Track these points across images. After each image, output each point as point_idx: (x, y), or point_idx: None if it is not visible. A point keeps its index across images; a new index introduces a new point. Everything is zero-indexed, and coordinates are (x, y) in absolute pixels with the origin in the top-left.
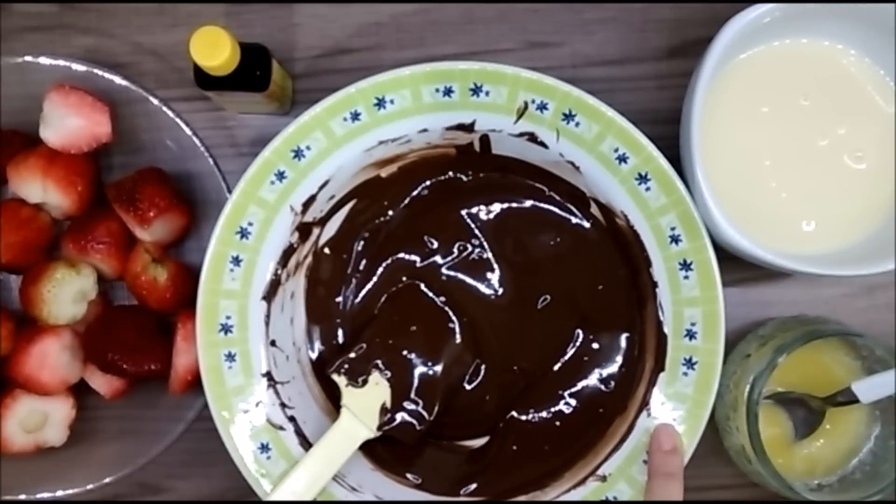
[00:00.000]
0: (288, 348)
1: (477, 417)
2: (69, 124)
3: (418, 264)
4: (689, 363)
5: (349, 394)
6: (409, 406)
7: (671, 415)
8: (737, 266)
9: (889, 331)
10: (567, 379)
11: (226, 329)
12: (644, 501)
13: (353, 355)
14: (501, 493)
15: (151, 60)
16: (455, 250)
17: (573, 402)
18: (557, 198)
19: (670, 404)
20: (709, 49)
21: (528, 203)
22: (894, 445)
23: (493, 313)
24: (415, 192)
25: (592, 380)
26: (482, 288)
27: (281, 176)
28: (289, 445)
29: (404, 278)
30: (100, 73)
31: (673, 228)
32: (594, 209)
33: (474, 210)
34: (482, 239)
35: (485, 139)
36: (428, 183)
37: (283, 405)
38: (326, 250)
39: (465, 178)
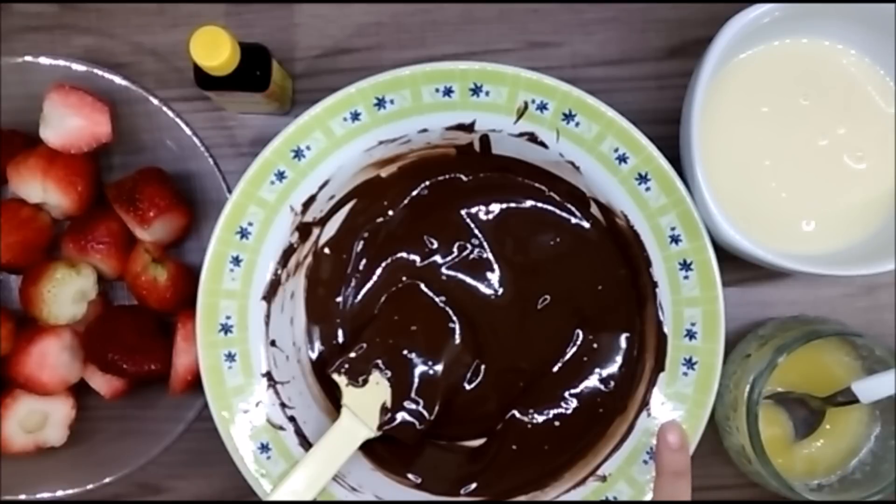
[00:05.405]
0: (288, 348)
1: (477, 417)
2: (69, 124)
3: (418, 264)
4: (689, 363)
5: (349, 393)
6: (410, 406)
7: (671, 415)
8: (737, 266)
9: (889, 331)
10: (567, 379)
11: (226, 329)
12: (652, 501)
13: (353, 355)
14: (501, 493)
15: (151, 60)
16: (455, 250)
17: (573, 402)
18: (557, 198)
19: (670, 404)
20: (709, 49)
21: (528, 203)
22: (894, 445)
23: (493, 313)
24: (415, 192)
25: (592, 380)
26: (482, 288)
27: (281, 176)
28: (289, 445)
29: (404, 278)
30: (100, 73)
31: (673, 228)
32: (594, 209)
33: (474, 210)
34: (482, 239)
35: (485, 139)
36: (428, 183)
37: (283, 405)
38: (326, 250)
39: (465, 178)
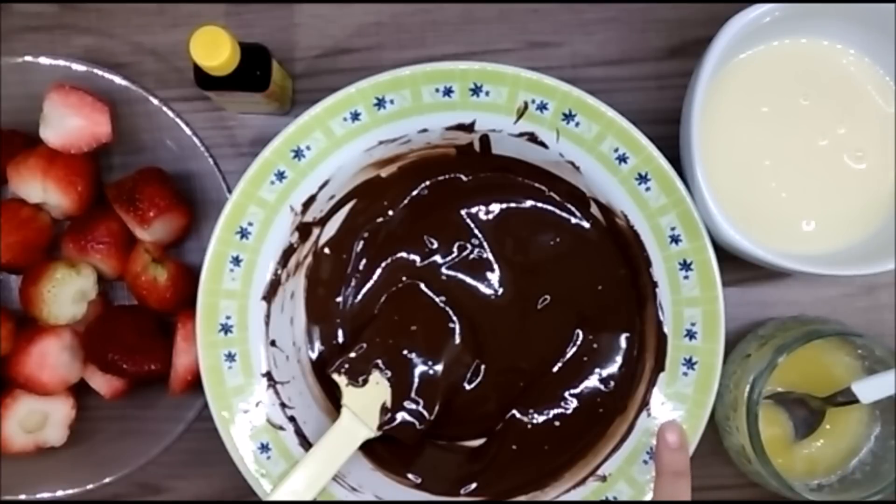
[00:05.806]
0: (288, 348)
1: (477, 417)
2: (69, 124)
3: (418, 264)
4: (689, 363)
5: (349, 393)
6: (410, 406)
7: (671, 415)
8: (737, 266)
9: (889, 331)
10: (567, 379)
11: (226, 329)
12: (653, 501)
13: (353, 355)
14: (501, 493)
15: (151, 60)
16: (455, 250)
17: (573, 402)
18: (557, 198)
19: (670, 404)
20: (709, 49)
21: (528, 203)
22: (894, 445)
23: (493, 313)
24: (415, 192)
25: (592, 380)
26: (482, 288)
27: (281, 176)
28: (289, 445)
29: (404, 278)
30: (100, 73)
31: (673, 228)
32: (594, 209)
33: (474, 210)
34: (482, 239)
35: (485, 139)
36: (428, 183)
37: (283, 405)
38: (326, 250)
39: (465, 178)
